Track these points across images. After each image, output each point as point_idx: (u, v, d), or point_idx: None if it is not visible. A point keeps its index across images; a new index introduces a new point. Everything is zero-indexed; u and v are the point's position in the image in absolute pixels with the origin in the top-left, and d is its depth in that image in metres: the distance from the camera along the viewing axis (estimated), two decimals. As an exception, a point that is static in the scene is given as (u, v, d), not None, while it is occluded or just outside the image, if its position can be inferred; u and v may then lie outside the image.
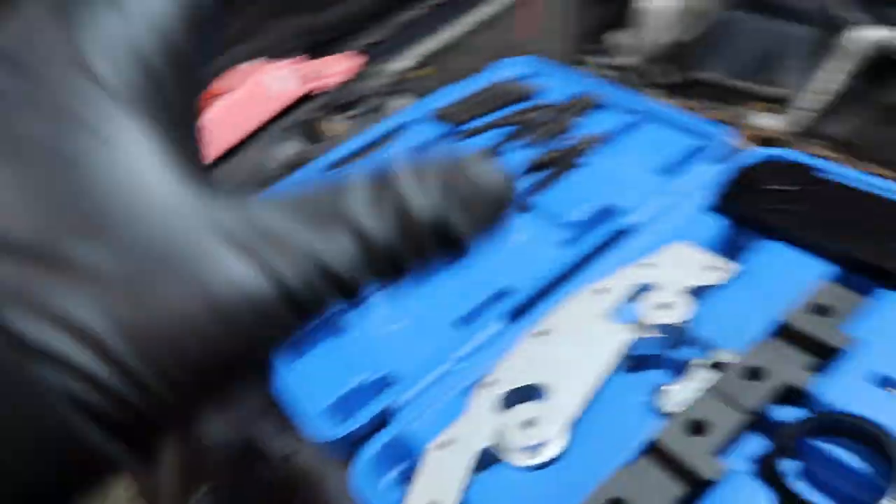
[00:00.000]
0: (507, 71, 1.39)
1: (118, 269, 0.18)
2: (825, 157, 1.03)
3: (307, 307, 0.21)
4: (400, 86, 1.73)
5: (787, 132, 2.20)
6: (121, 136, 0.20)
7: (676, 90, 2.53)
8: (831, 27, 2.14)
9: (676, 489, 0.68)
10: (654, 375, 0.82)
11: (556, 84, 1.30)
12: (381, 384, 0.87)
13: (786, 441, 0.69)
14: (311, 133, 1.69)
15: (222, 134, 1.57)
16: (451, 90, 1.35)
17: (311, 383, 0.87)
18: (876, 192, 0.90)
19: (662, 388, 0.76)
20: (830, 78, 2.04)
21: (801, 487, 0.70)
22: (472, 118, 1.25)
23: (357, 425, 0.79)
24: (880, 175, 0.92)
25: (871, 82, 2.11)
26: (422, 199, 0.22)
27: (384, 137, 1.30)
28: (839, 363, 0.74)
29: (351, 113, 1.60)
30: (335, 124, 1.60)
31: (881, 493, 0.62)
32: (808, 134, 2.25)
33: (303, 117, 1.70)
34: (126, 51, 0.20)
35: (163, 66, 0.21)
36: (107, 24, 0.20)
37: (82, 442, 0.17)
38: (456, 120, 1.26)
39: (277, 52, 1.88)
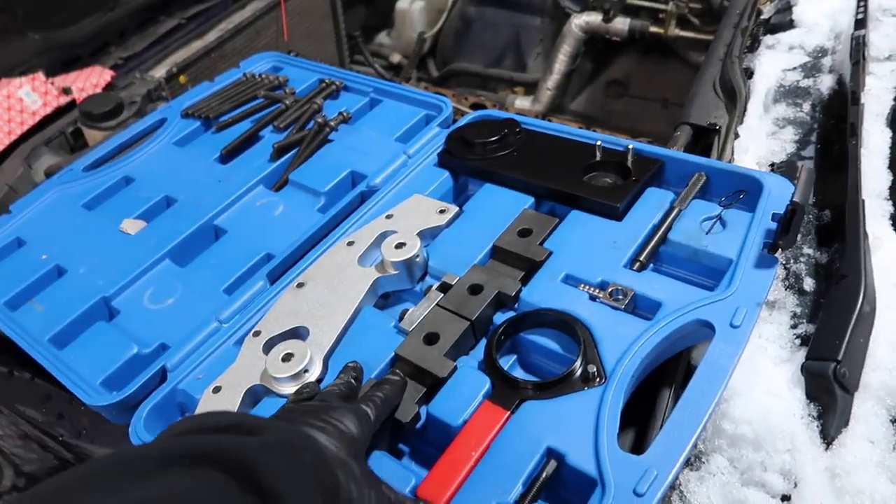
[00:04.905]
0: (254, 67, 1.47)
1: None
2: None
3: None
4: (156, 93, 1.75)
5: (539, 111, 2.49)
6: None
7: (439, 81, 2.75)
8: (558, 16, 2.46)
9: (419, 387, 0.81)
10: (403, 305, 0.95)
11: (302, 74, 1.41)
12: (157, 353, 0.92)
13: (498, 337, 0.84)
14: (73, 142, 1.66)
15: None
16: (201, 89, 1.42)
17: (88, 361, 0.91)
18: (562, 135, 1.10)
19: (403, 311, 0.89)
20: (562, 60, 2.35)
21: (518, 373, 0.86)
22: (224, 112, 1.32)
23: (134, 388, 0.85)
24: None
25: (594, 61, 2.45)
26: None
27: (136, 139, 1.33)
28: (540, 271, 0.92)
29: (111, 122, 1.59)
30: (95, 132, 1.58)
31: (571, 364, 0.79)
32: (555, 110, 2.56)
33: (62, 128, 1.66)
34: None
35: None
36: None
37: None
38: (205, 115, 1.31)
39: (22, 69, 1.82)
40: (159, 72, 1.84)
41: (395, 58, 2.77)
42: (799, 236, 0.96)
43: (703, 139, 1.27)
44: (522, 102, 2.46)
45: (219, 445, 0.50)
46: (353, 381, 0.77)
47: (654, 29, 2.11)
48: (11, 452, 1.10)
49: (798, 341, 0.86)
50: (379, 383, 0.77)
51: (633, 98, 2.41)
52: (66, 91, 1.71)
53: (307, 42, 2.33)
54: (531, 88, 2.52)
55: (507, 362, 0.86)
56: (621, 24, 2.14)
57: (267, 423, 0.57)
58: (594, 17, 2.17)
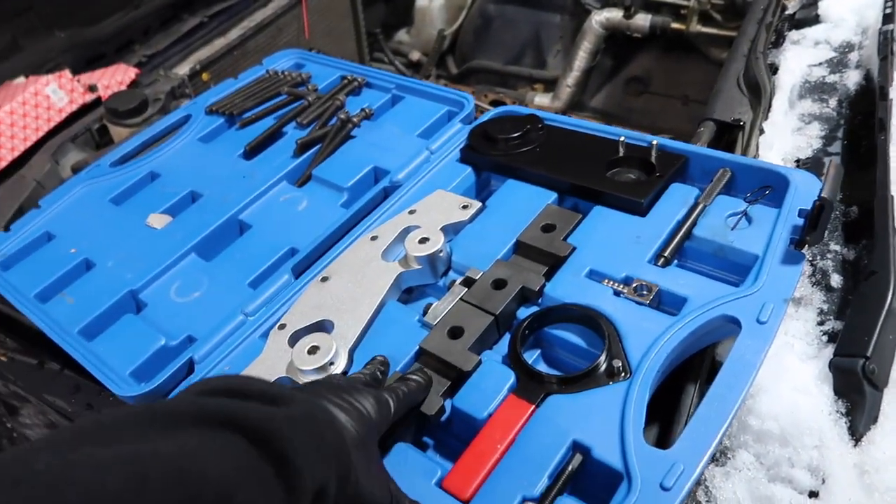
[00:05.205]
0: (277, 64, 1.48)
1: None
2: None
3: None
4: (180, 90, 1.76)
5: (558, 108, 2.48)
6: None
7: (458, 79, 2.75)
8: (578, 13, 2.45)
9: (444, 381, 0.81)
10: (427, 299, 0.96)
11: (324, 71, 1.42)
12: (185, 345, 0.94)
13: (523, 331, 0.84)
14: (99, 138, 1.68)
15: (4, 144, 1.54)
16: (225, 86, 1.43)
17: (117, 353, 0.93)
18: (585, 131, 1.10)
19: (426, 305, 0.90)
20: (582, 57, 2.34)
21: (541, 368, 0.86)
22: (247, 109, 1.33)
23: (161, 380, 0.86)
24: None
25: (614, 58, 2.44)
26: None
27: (162, 135, 1.35)
28: (563, 266, 0.91)
29: (136, 119, 1.61)
30: (120, 129, 1.60)
31: (596, 358, 0.79)
32: (575, 108, 2.55)
33: (88, 125, 1.68)
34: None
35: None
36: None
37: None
38: (229, 111, 1.33)
39: (48, 66, 1.84)
40: (183, 69, 1.86)
41: (415, 55, 2.77)
42: (826, 233, 0.95)
43: (727, 135, 1.26)
44: (542, 99, 2.46)
45: (244, 412, 0.51)
46: (378, 373, 0.77)
47: (675, 25, 2.10)
48: (39, 442, 1.12)
49: (825, 338, 0.85)
50: (404, 378, 0.77)
51: (654, 95, 2.39)
52: (92, 88, 1.73)
53: (327, 40, 2.34)
54: (550, 85, 2.51)
55: (530, 357, 0.86)
56: (642, 20, 2.13)
57: (292, 395, 0.58)
58: (615, 14, 2.16)
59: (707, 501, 0.76)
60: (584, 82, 2.40)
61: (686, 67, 2.29)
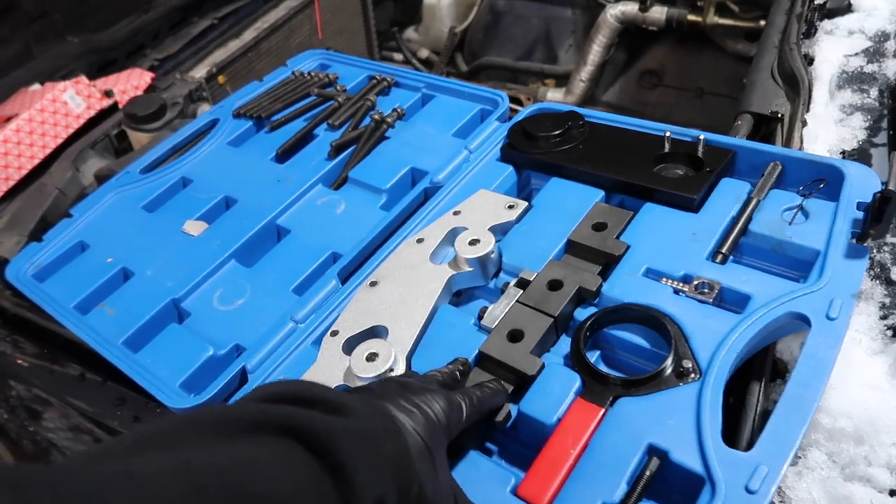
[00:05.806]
0: (302, 65, 1.46)
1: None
2: (589, 107, 1.20)
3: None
4: (197, 94, 1.74)
5: (571, 103, 2.46)
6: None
7: (469, 76, 2.73)
8: (590, 6, 2.43)
9: (508, 386, 0.80)
10: (478, 302, 0.94)
11: (350, 71, 1.40)
12: (232, 354, 0.92)
13: (584, 332, 0.83)
14: (118, 144, 1.65)
15: (24, 152, 1.51)
16: (250, 88, 1.41)
17: (165, 364, 0.91)
18: (626, 127, 1.09)
19: (482, 309, 0.88)
20: (596, 51, 2.33)
21: (603, 369, 0.85)
22: (276, 111, 1.31)
23: (215, 390, 0.84)
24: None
25: (627, 51, 2.43)
26: None
27: (189, 140, 1.33)
28: (619, 266, 0.90)
29: (155, 124, 1.59)
30: (140, 134, 1.57)
31: (663, 360, 0.78)
32: (587, 102, 2.53)
33: (107, 131, 1.66)
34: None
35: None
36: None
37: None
38: (257, 114, 1.31)
39: (62, 73, 1.82)
40: (199, 72, 1.84)
41: (423, 53, 2.75)
42: (880, 225, 0.94)
43: (764, 128, 1.25)
44: (554, 94, 2.44)
45: (308, 421, 0.51)
46: (458, 373, 0.76)
47: (691, 17, 2.08)
48: (63, 446, 1.09)
49: (890, 332, 0.84)
50: (480, 384, 0.76)
51: (668, 88, 2.38)
52: (108, 94, 1.70)
53: (339, 39, 2.32)
54: (562, 80, 2.49)
55: (590, 358, 0.85)
56: (658, 13, 2.11)
57: (353, 406, 0.56)
58: (630, 7, 2.14)
59: (781, 502, 0.75)
60: (598, 76, 2.38)
61: (700, 59, 2.28)
